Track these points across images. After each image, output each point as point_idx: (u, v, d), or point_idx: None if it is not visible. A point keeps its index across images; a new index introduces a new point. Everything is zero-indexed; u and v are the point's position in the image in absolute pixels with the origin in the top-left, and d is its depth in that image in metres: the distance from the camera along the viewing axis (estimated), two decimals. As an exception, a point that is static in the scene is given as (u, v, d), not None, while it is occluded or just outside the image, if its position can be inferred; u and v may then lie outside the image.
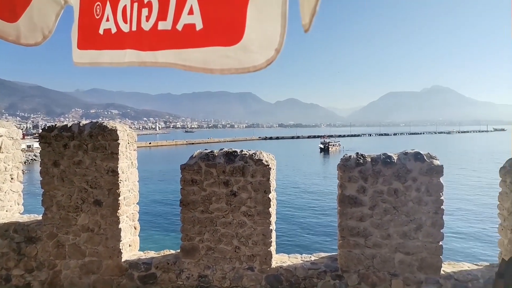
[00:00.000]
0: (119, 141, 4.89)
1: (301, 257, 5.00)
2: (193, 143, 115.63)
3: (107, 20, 1.67)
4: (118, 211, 4.91)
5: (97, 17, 1.71)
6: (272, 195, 4.76)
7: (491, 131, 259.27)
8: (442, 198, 4.26)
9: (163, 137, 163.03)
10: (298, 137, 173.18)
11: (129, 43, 1.61)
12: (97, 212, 4.94)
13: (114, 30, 1.66)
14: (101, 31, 1.71)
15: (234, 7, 1.29)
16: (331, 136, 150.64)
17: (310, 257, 5.01)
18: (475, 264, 4.59)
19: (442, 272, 4.33)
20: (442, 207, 4.26)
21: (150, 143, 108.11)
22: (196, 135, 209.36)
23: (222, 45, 1.33)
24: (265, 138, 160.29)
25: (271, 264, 4.68)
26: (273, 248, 4.76)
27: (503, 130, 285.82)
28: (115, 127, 4.94)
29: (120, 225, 4.94)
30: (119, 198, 4.90)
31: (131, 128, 5.51)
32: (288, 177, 41.82)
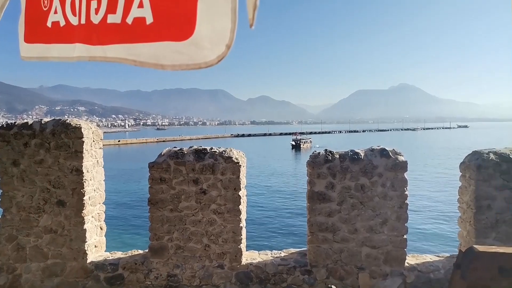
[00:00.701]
0: (83, 139, 4.72)
1: (271, 254, 5.03)
2: (164, 141, 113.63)
3: (55, 12, 1.60)
4: (83, 211, 4.75)
5: (44, 9, 1.63)
6: (242, 193, 4.76)
7: (455, 127, 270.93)
8: (406, 193, 4.41)
9: (133, 135, 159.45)
10: (270, 134, 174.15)
11: (78, 36, 1.55)
12: (61, 212, 4.76)
13: (62, 23, 1.59)
14: (49, 24, 1.63)
15: (184, 1, 1.27)
16: (303, 133, 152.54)
17: (280, 253, 5.05)
18: (437, 256, 4.79)
19: (406, 264, 4.48)
20: (406, 201, 4.40)
21: (119, 141, 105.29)
22: (168, 132, 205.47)
23: (173, 40, 1.31)
24: (238, 136, 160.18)
25: (241, 261, 4.68)
26: (243, 246, 4.76)
27: (466, 126, 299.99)
28: (79, 124, 4.77)
29: (85, 226, 4.78)
30: (84, 198, 4.74)
31: (99, 125, 5.34)
32: (259, 174, 42.00)
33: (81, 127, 4.74)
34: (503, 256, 1.85)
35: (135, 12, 1.38)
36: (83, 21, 1.51)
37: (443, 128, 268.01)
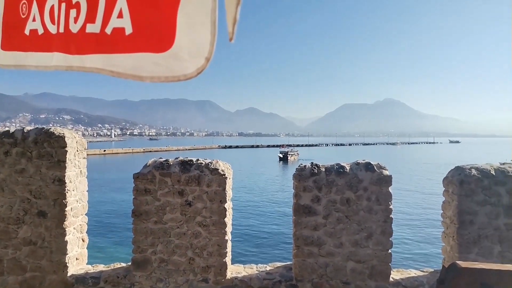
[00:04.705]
0: (66, 149, 4.64)
1: (257, 267, 4.98)
2: (150, 151, 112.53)
3: (34, 20, 1.57)
4: (65, 222, 4.64)
5: (23, 16, 1.60)
6: (228, 205, 4.72)
7: (440, 143, 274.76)
8: (391, 207, 4.44)
9: (119, 145, 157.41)
10: (257, 146, 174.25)
11: (56, 45, 1.52)
12: (41, 224, 4.64)
13: (41, 31, 1.56)
14: (27, 32, 1.60)
15: (164, 13, 1.26)
16: (290, 145, 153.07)
17: (266, 267, 5.00)
18: (421, 271, 4.81)
19: (391, 279, 4.48)
20: (390, 215, 4.43)
21: (104, 151, 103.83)
22: (160, 142, 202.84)
23: (152, 52, 1.30)
24: (225, 147, 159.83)
25: (226, 275, 4.61)
26: (228, 259, 4.70)
27: (457, 142, 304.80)
28: (63, 133, 4.69)
29: (67, 238, 4.66)
30: (66, 209, 4.63)
31: (84, 134, 5.27)
32: (246, 186, 41.85)
33: (64, 136, 4.66)
34: (485, 272, 1.86)
35: (114, 22, 1.36)
36: (61, 29, 1.49)
37: (427, 143, 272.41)
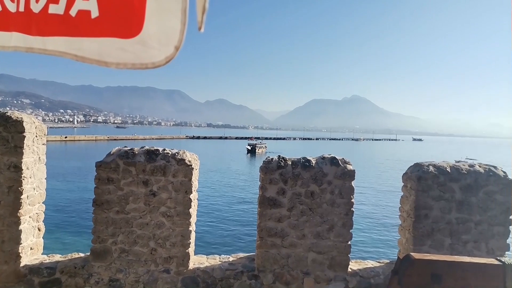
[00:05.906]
0: (24, 134, 4.41)
1: (220, 258, 5.00)
2: (115, 139, 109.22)
3: None
4: (19, 211, 4.42)
5: None
6: (194, 196, 4.69)
7: (402, 140, 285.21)
8: (352, 200, 4.58)
9: (82, 132, 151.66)
10: (226, 138, 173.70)
11: (15, 25, 1.44)
12: (-7, 212, 4.40)
13: None
14: None
15: None
16: (258, 138, 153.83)
17: (229, 258, 5.03)
18: (378, 262, 5.02)
19: (349, 269, 4.65)
20: (352, 209, 4.57)
21: (65, 137, 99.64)
22: (128, 131, 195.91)
23: (119, 37, 1.26)
24: (193, 137, 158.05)
25: (188, 266, 4.60)
26: (191, 250, 4.68)
27: (420, 140, 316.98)
28: (21, 118, 4.46)
29: (21, 227, 4.45)
30: (21, 197, 4.42)
31: (44, 120, 5.02)
32: (213, 177, 41.69)
33: (22, 121, 4.42)
34: (435, 263, 1.97)
35: (79, 4, 1.30)
36: (21, 8, 1.40)
37: (390, 139, 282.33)
